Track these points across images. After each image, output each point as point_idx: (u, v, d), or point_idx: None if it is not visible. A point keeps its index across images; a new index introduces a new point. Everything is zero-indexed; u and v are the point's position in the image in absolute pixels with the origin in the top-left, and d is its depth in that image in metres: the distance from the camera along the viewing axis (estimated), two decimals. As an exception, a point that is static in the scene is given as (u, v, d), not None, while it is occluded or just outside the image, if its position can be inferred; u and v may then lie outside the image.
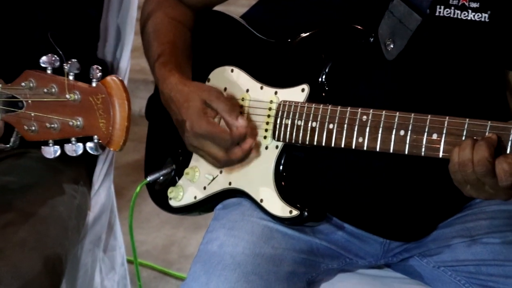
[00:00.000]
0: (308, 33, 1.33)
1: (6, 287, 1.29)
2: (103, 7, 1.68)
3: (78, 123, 1.11)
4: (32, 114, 1.13)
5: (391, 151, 1.19)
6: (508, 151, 1.10)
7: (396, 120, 1.19)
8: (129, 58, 1.71)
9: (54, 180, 1.51)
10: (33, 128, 1.13)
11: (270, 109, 1.34)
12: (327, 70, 1.30)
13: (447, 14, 1.27)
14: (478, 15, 1.27)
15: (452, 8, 1.27)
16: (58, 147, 1.13)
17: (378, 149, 1.21)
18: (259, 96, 1.36)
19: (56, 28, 1.49)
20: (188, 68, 1.43)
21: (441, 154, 1.15)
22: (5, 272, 1.30)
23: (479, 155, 1.09)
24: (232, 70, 1.41)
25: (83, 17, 1.58)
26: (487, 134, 1.12)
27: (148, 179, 1.47)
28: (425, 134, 1.16)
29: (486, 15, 1.27)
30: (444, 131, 1.14)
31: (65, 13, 1.53)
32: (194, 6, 1.52)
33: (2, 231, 1.36)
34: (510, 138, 1.09)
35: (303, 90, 1.32)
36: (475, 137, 1.11)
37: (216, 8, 1.53)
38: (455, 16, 1.27)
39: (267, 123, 1.34)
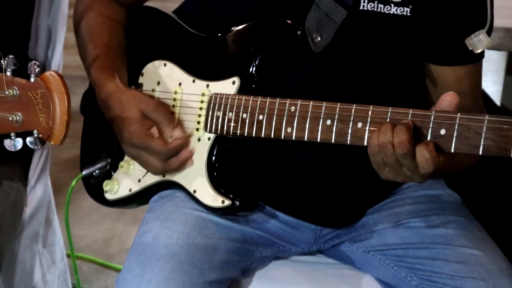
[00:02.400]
0: (238, 27, 1.33)
1: None
2: (34, 9, 1.64)
3: (18, 118, 1.11)
4: None
5: (319, 140, 1.19)
6: (428, 138, 1.10)
7: (323, 110, 1.19)
8: (61, 56, 1.68)
9: None
10: None
11: (202, 101, 1.33)
12: (256, 63, 1.29)
13: (371, 8, 1.28)
14: (400, 9, 1.28)
15: (376, 2, 1.27)
16: None
17: (306, 139, 1.21)
18: (191, 89, 1.35)
19: None
20: (123, 70, 1.41)
21: (365, 142, 1.15)
22: None
23: (400, 137, 1.10)
24: (165, 65, 1.40)
25: (13, 19, 1.54)
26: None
27: (84, 173, 1.44)
28: (351, 123, 1.16)
29: (408, 9, 1.28)
30: (369, 120, 1.15)
31: None
32: (126, 3, 1.49)
33: None
34: (430, 125, 1.10)
35: (233, 82, 1.31)
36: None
37: (154, 4, 1.50)
38: (379, 10, 1.28)
39: (199, 115, 1.33)
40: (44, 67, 1.67)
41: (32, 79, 1.10)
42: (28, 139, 1.11)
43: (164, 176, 1.36)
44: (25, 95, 1.10)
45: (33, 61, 1.09)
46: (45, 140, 1.11)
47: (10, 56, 1.09)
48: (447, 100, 1.11)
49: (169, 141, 1.30)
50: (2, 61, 1.09)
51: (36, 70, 1.09)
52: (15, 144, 1.11)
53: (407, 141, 1.09)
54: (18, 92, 1.10)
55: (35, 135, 1.11)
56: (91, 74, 1.39)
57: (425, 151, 1.09)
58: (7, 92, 1.10)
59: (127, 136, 1.31)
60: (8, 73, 1.10)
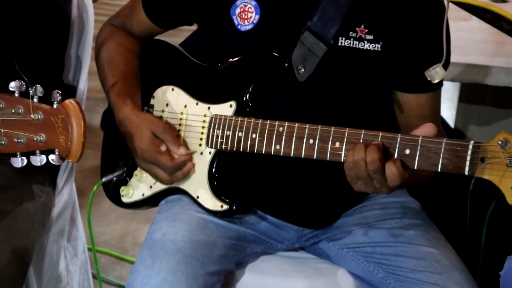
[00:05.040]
0: (235, 59, 1.33)
1: None
2: (68, 41, 1.63)
3: (42, 138, 1.10)
4: (2, 131, 1.11)
5: (303, 156, 1.19)
6: (395, 156, 1.10)
7: (306, 131, 1.18)
8: (86, 81, 1.67)
9: (22, 182, 1.46)
10: (3, 142, 1.12)
11: (204, 121, 1.33)
12: (250, 89, 1.29)
13: (348, 44, 1.27)
14: (372, 45, 1.27)
15: (352, 39, 1.27)
16: (25, 158, 1.12)
17: (292, 155, 1.20)
18: (195, 111, 1.35)
19: (25, 58, 1.44)
20: (137, 95, 1.41)
21: (342, 159, 1.15)
22: None
23: (372, 156, 1.10)
24: (173, 89, 1.39)
25: (50, 49, 1.54)
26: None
27: (104, 179, 1.44)
28: (330, 142, 1.16)
29: (379, 45, 1.27)
30: (345, 140, 1.15)
31: (34, 45, 1.48)
32: (139, 36, 1.49)
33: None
34: (397, 146, 1.10)
35: (231, 106, 1.30)
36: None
37: (163, 37, 1.50)
38: (354, 46, 1.27)
39: (202, 133, 1.32)
40: (71, 92, 1.65)
41: (54, 106, 1.09)
42: (50, 157, 1.11)
43: (172, 183, 1.35)
44: (48, 119, 1.09)
45: (56, 91, 1.09)
46: (64, 158, 1.11)
47: (37, 85, 1.09)
48: (425, 131, 1.10)
49: (175, 157, 1.29)
50: (30, 89, 1.08)
51: (58, 98, 1.09)
52: (39, 160, 1.11)
53: (377, 159, 1.09)
54: (42, 116, 1.10)
55: (56, 153, 1.10)
56: (110, 98, 1.39)
57: (393, 167, 1.09)
58: (33, 116, 1.09)
59: (140, 152, 1.31)
60: (35, 100, 1.09)
